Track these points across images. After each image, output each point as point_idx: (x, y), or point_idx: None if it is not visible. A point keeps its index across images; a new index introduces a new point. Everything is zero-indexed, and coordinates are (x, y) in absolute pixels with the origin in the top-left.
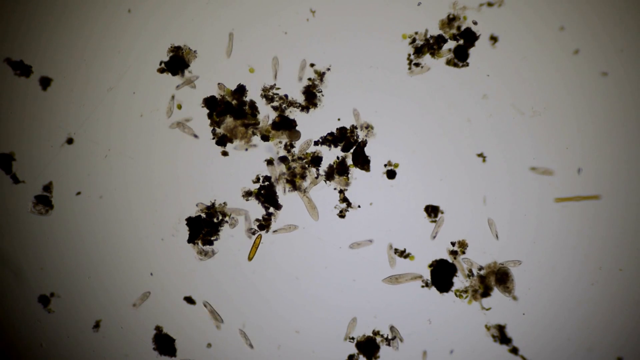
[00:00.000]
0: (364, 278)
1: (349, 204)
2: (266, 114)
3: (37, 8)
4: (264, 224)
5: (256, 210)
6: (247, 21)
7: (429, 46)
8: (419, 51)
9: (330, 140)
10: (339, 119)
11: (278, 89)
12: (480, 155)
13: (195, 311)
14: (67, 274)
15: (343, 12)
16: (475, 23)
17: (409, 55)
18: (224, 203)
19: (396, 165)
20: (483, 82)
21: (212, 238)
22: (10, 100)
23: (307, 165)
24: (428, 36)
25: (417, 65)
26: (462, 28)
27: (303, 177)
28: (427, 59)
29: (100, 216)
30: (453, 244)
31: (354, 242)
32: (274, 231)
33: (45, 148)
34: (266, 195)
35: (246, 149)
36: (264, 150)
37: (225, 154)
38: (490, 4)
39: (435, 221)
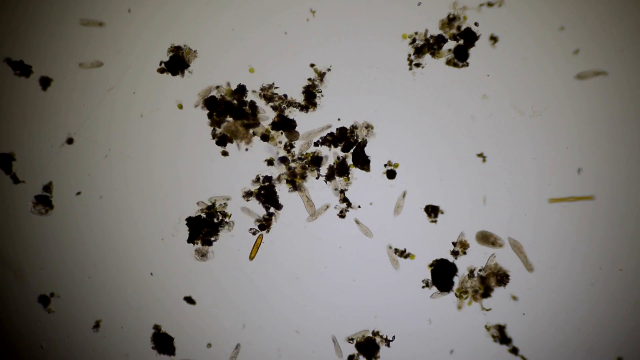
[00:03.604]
0: (364, 278)
1: (349, 204)
2: (267, 114)
3: (37, 8)
4: (265, 224)
5: (256, 210)
6: (247, 21)
7: (429, 46)
8: (419, 51)
9: (330, 140)
10: (339, 119)
11: (277, 88)
12: (480, 155)
13: (195, 311)
14: (67, 274)
15: (343, 12)
16: (476, 24)
17: (409, 55)
18: (224, 203)
19: (396, 165)
20: (483, 82)
21: (212, 238)
22: (10, 100)
23: (307, 166)
24: (428, 36)
25: (417, 65)
26: (462, 28)
27: (303, 177)
28: (427, 59)
29: (100, 216)
30: (454, 244)
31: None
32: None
33: (45, 148)
34: (266, 195)
35: (246, 149)
36: (264, 150)
37: (225, 154)
38: (490, 4)
39: (435, 221)
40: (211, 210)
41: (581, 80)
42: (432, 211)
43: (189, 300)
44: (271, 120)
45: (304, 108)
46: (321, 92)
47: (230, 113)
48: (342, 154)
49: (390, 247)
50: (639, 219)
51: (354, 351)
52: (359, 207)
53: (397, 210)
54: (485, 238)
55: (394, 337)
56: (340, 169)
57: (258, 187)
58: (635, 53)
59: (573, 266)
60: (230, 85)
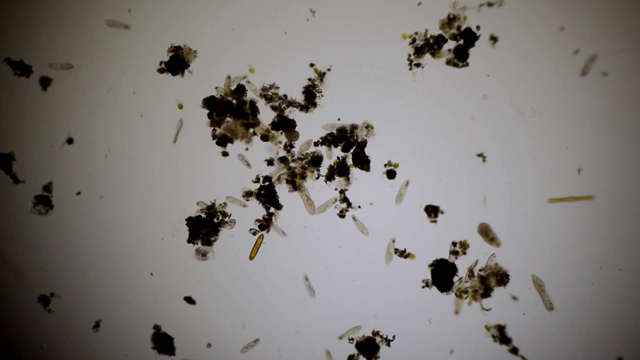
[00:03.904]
0: (364, 278)
1: (349, 204)
2: (267, 114)
3: (37, 8)
4: (265, 224)
5: (257, 210)
6: (247, 21)
7: (429, 46)
8: (419, 51)
9: (330, 140)
10: (339, 119)
11: (277, 88)
12: (480, 155)
13: (195, 311)
14: (67, 274)
15: (343, 12)
16: (478, 28)
17: (409, 55)
18: (224, 203)
19: (396, 165)
20: (483, 82)
21: (212, 238)
22: (10, 100)
23: (306, 166)
24: (428, 36)
25: (417, 65)
26: (462, 28)
27: (303, 177)
28: (427, 58)
29: (100, 216)
30: (454, 244)
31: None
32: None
33: (45, 148)
34: (266, 195)
35: (246, 149)
36: (264, 150)
37: (225, 154)
38: (490, 4)
39: (435, 221)
40: (211, 210)
41: (581, 79)
42: (432, 211)
43: (189, 300)
44: (271, 120)
45: (304, 108)
46: (321, 92)
47: (230, 113)
48: (342, 154)
49: (393, 241)
50: (639, 219)
51: (354, 351)
52: (359, 207)
53: (399, 199)
54: (486, 232)
55: (394, 336)
56: (340, 169)
57: (258, 187)
58: (635, 53)
59: (573, 266)
60: (230, 79)
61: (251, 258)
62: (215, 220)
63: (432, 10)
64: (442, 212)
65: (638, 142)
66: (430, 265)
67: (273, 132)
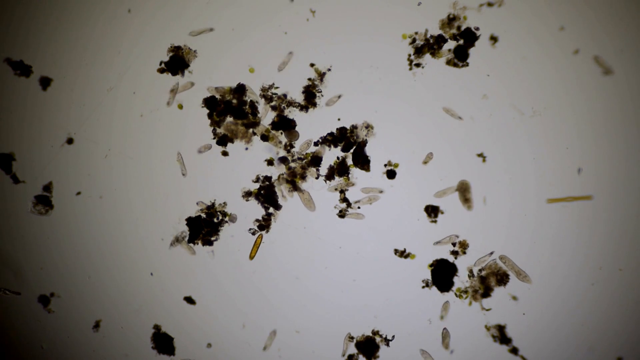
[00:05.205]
0: (364, 278)
1: (349, 204)
2: (266, 114)
3: (37, 8)
4: (264, 224)
5: (256, 210)
6: (247, 21)
7: (429, 46)
8: (419, 51)
9: (330, 140)
10: (339, 119)
11: (277, 88)
12: (480, 155)
13: (195, 311)
14: (67, 274)
15: (343, 12)
16: (477, 29)
17: (409, 55)
18: (224, 203)
19: (396, 165)
20: (483, 82)
21: (212, 238)
22: (10, 100)
23: (306, 166)
24: (428, 36)
25: (417, 65)
26: (462, 28)
27: (303, 177)
28: (427, 58)
29: (100, 216)
30: (454, 244)
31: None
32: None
33: (45, 148)
34: (266, 195)
35: (246, 149)
36: (264, 150)
37: (225, 154)
38: (490, 4)
39: (435, 221)
40: (211, 210)
41: (581, 80)
42: (432, 211)
43: (189, 300)
44: (271, 120)
45: (304, 108)
46: (321, 92)
47: (230, 113)
48: (342, 154)
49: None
50: (639, 219)
51: (354, 350)
52: (359, 207)
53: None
54: (463, 191)
55: (393, 336)
56: (340, 169)
57: (258, 187)
58: (635, 53)
59: (573, 266)
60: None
61: (251, 258)
62: (215, 220)
63: (432, 10)
64: (442, 212)
65: (638, 142)
66: (430, 265)
67: (273, 132)
